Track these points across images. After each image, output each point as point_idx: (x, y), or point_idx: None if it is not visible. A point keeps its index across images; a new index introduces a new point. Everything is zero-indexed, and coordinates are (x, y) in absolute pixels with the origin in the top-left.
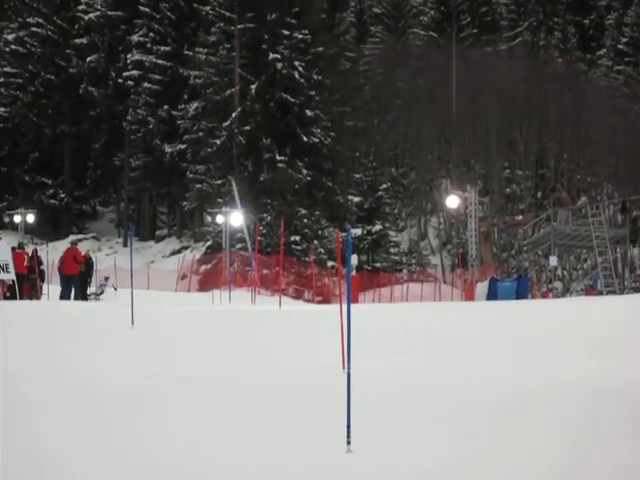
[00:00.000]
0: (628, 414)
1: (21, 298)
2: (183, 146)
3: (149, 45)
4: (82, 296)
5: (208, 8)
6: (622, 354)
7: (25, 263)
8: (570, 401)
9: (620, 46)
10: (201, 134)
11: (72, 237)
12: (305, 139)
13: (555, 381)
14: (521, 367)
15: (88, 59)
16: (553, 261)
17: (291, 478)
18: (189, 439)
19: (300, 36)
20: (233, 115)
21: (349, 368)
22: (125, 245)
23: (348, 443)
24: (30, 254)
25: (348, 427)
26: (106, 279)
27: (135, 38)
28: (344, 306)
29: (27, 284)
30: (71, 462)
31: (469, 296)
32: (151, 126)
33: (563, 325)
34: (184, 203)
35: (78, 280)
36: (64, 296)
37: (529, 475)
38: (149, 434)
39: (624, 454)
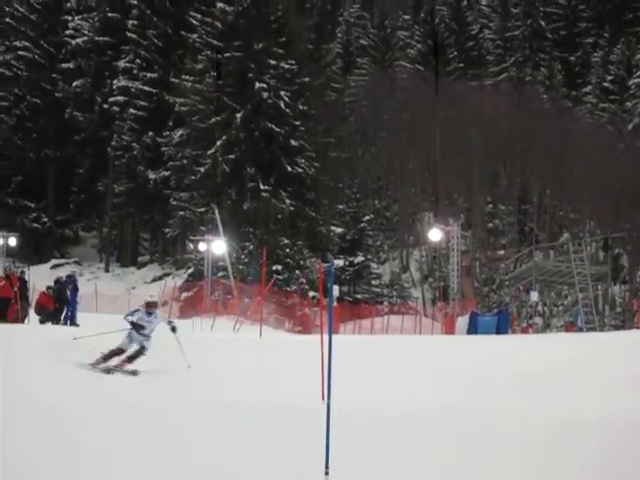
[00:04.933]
0: None
1: (6, 321)
2: (167, 173)
3: (135, 71)
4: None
5: (195, 36)
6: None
7: (15, 289)
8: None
9: (605, 84)
10: (185, 161)
11: (54, 261)
12: (289, 169)
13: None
14: (504, 399)
15: (74, 84)
16: (534, 296)
17: None
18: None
19: (286, 66)
20: (217, 143)
21: (329, 399)
22: (107, 270)
23: (326, 474)
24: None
25: (327, 457)
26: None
27: (121, 64)
28: (325, 336)
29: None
30: None
31: (449, 329)
32: (135, 152)
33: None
34: (167, 230)
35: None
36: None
37: None
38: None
39: None
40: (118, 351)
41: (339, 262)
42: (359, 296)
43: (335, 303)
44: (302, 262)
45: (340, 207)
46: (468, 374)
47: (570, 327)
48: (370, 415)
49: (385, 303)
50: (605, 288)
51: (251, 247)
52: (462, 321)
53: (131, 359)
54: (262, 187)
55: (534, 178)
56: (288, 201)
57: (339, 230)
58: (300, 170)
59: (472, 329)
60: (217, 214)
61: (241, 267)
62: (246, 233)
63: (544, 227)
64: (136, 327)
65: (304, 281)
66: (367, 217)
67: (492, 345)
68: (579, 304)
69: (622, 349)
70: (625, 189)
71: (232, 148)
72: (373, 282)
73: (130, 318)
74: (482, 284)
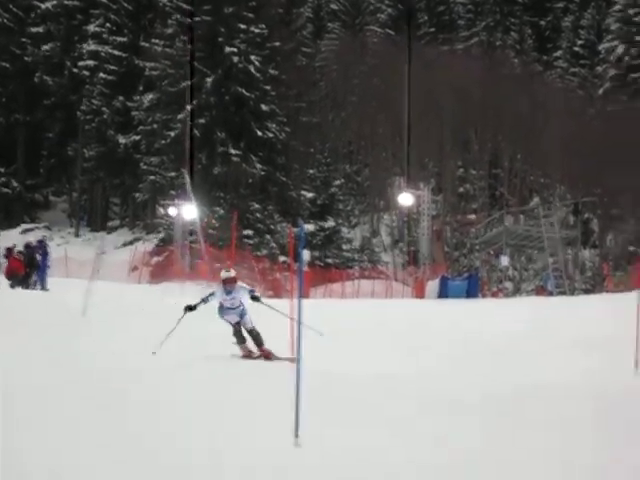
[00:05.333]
0: None
1: None
2: (137, 137)
3: (105, 35)
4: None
5: (165, 0)
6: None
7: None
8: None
9: (576, 48)
10: (155, 126)
11: (24, 226)
12: (260, 134)
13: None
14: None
15: (43, 48)
16: (504, 261)
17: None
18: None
19: (257, 30)
20: (188, 108)
21: (299, 363)
22: (77, 235)
23: (296, 436)
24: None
25: (296, 421)
26: None
27: (91, 28)
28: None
29: None
30: None
31: (420, 294)
32: (105, 116)
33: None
34: (137, 194)
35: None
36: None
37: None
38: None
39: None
40: (239, 340)
41: (309, 227)
42: (330, 261)
43: (306, 268)
44: (272, 227)
45: (311, 172)
46: (437, 337)
47: (540, 291)
48: (340, 375)
49: (356, 268)
50: (575, 252)
51: (221, 212)
52: (432, 285)
53: (256, 341)
54: (232, 152)
55: (505, 143)
56: (259, 166)
57: (310, 195)
58: (271, 135)
59: (442, 293)
60: (187, 179)
61: (211, 232)
62: (216, 198)
63: (514, 191)
64: (222, 311)
65: (275, 245)
66: (338, 182)
67: (462, 309)
68: (549, 268)
69: (591, 312)
70: (595, 154)
71: (202, 113)
72: (344, 247)
73: (210, 303)
74: (452, 248)
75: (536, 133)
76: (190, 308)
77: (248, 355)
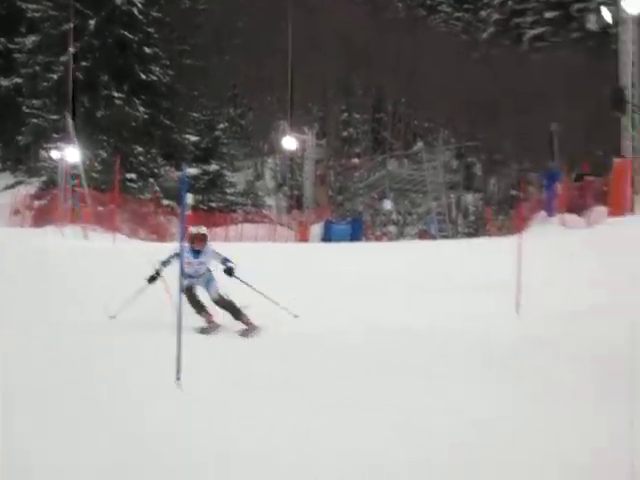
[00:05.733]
0: None
1: None
2: (19, 80)
3: None
4: None
5: None
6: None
7: None
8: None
9: None
10: (38, 68)
11: None
12: (143, 77)
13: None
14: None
15: None
16: (388, 205)
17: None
18: None
19: None
20: (70, 50)
21: (180, 308)
22: None
23: (178, 379)
24: None
25: (178, 363)
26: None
27: None
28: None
29: None
30: None
31: (304, 237)
32: None
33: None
34: (19, 138)
35: None
36: None
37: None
38: None
39: None
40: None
41: (193, 170)
42: (213, 204)
43: (189, 211)
44: (156, 170)
45: (195, 115)
46: (320, 279)
47: (424, 235)
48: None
49: (239, 211)
50: (458, 196)
51: (105, 155)
52: (316, 229)
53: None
54: (116, 95)
55: (389, 87)
56: (142, 109)
57: (194, 138)
58: (154, 78)
59: (326, 237)
60: (70, 122)
61: (95, 175)
62: (100, 141)
63: (398, 136)
64: (188, 275)
65: (159, 189)
66: (222, 125)
67: (345, 252)
68: (432, 212)
69: (473, 256)
70: (479, 98)
71: (85, 55)
72: (227, 190)
73: (169, 264)
74: (336, 192)
75: (420, 78)
76: (153, 278)
77: (212, 322)
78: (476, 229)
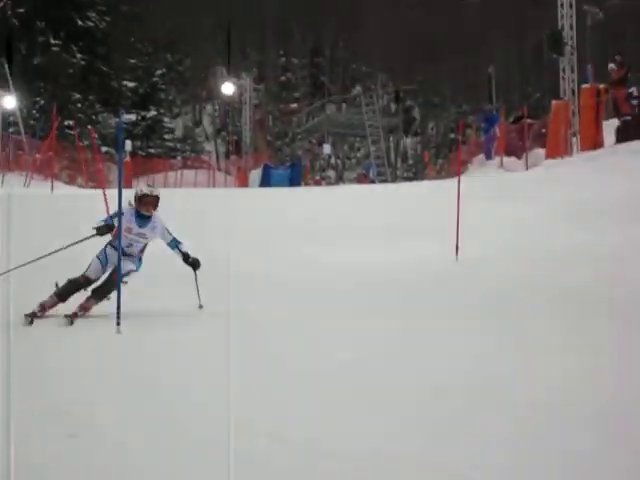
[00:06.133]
0: None
1: None
2: None
3: None
4: None
5: None
6: None
7: None
8: None
9: None
10: None
11: None
12: (80, 23)
13: None
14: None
15: None
16: (326, 149)
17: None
18: None
19: None
20: None
21: (120, 255)
22: None
23: (118, 324)
24: None
25: (118, 310)
26: None
27: None
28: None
29: None
30: None
31: (243, 183)
32: None
33: None
34: None
35: None
36: None
37: None
38: None
39: None
40: (79, 282)
41: (131, 117)
42: (152, 151)
43: (128, 158)
44: (94, 117)
45: (132, 61)
46: (258, 224)
47: (363, 179)
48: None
49: (178, 157)
50: (397, 140)
51: (42, 102)
52: (255, 174)
53: (99, 294)
54: (52, 42)
55: (327, 31)
56: (79, 55)
57: (131, 85)
58: (91, 24)
59: (265, 182)
60: (7, 69)
61: (32, 122)
62: (37, 88)
63: (337, 80)
64: (113, 244)
65: (96, 135)
66: (159, 71)
67: (284, 196)
68: (371, 156)
69: (412, 200)
70: (417, 42)
71: (21, 2)
72: (166, 136)
73: (104, 223)
74: (275, 137)
75: (358, 21)
76: (108, 228)
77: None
78: (415, 173)
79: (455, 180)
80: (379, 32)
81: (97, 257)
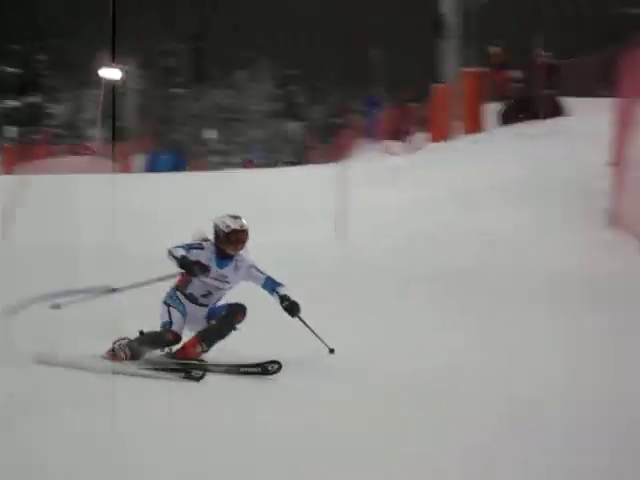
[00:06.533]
0: None
1: None
2: None
3: None
4: None
5: None
6: None
7: None
8: None
9: None
10: None
11: None
12: None
13: None
14: None
15: None
16: (211, 134)
17: None
18: None
19: None
20: None
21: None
22: None
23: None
24: None
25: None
26: None
27: None
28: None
29: None
30: None
31: (127, 169)
32: None
33: None
34: None
35: None
36: None
37: None
38: None
39: None
40: (165, 339)
41: (15, 103)
42: (34, 137)
43: (9, 144)
44: None
45: (14, 47)
46: (141, 212)
47: (247, 164)
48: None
49: (62, 144)
50: (281, 125)
51: None
52: (140, 160)
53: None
54: None
55: (212, 15)
56: None
57: (11, 70)
58: None
59: (150, 167)
60: None
61: None
62: None
63: (221, 65)
64: (190, 295)
65: None
66: (41, 56)
67: (170, 182)
68: (255, 141)
69: (295, 184)
70: (301, 26)
71: None
72: (48, 122)
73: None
74: (159, 123)
75: (242, 5)
76: (192, 265)
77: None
78: (298, 157)
79: (337, 164)
80: (263, 16)
81: (172, 305)
